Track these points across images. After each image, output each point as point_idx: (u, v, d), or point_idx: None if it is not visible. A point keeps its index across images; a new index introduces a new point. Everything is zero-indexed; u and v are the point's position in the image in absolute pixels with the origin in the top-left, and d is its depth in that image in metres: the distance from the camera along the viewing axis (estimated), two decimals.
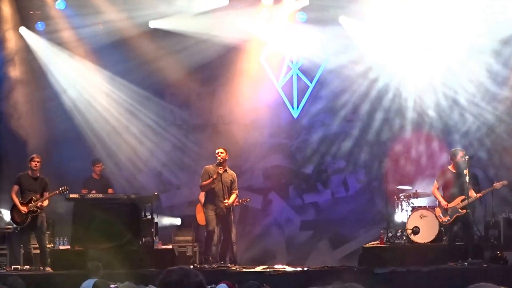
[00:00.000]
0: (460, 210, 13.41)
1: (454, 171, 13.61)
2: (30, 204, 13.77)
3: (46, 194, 13.95)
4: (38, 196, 13.86)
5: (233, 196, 13.88)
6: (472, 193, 13.43)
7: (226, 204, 13.67)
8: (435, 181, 13.86)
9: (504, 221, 14.68)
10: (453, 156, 13.67)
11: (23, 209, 13.77)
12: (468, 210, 13.37)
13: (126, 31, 16.92)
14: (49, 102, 17.38)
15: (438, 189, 13.77)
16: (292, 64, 17.45)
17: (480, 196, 13.63)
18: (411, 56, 16.52)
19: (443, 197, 13.64)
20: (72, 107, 17.26)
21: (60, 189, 14.02)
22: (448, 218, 13.54)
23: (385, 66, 16.74)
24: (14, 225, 14.29)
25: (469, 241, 13.53)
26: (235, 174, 14.09)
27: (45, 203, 13.94)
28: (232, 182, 13.91)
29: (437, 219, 13.90)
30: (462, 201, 13.41)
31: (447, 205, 13.51)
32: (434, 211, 14.06)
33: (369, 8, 16.36)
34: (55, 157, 16.58)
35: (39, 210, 13.81)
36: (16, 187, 14.01)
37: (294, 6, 16.87)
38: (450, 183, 13.63)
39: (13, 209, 13.95)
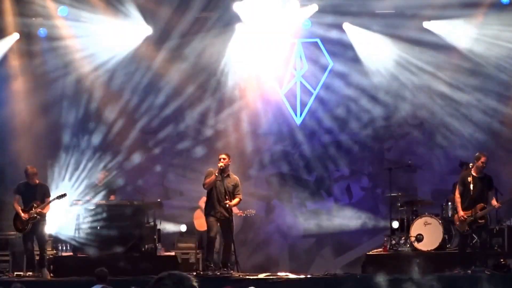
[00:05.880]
0: (479, 221, 13.30)
1: (475, 175, 13.47)
2: (31, 211, 13.89)
3: (48, 200, 14.04)
4: (38, 203, 14.07)
5: (236, 200, 13.78)
6: (494, 201, 13.37)
7: (227, 205, 13.53)
8: (457, 186, 13.69)
9: (508, 229, 14.66)
10: (476, 160, 13.49)
11: (24, 216, 13.90)
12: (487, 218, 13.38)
13: (127, 39, 16.90)
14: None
15: (460, 193, 13.49)
16: (295, 71, 17.43)
17: (499, 207, 13.54)
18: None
19: (463, 202, 13.42)
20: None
21: (59, 195, 14.23)
22: (467, 228, 13.39)
23: (388, 74, 16.83)
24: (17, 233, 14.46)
25: (482, 249, 13.44)
26: (238, 179, 13.97)
27: (46, 209, 14.10)
28: (234, 187, 13.75)
29: (440, 225, 13.91)
30: (481, 209, 13.31)
31: (465, 216, 13.33)
32: (438, 218, 14.03)
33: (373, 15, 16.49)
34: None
35: (38, 217, 13.94)
36: (17, 196, 14.24)
37: (301, 13, 16.80)
38: (470, 188, 13.43)
39: (15, 217, 14.17)
